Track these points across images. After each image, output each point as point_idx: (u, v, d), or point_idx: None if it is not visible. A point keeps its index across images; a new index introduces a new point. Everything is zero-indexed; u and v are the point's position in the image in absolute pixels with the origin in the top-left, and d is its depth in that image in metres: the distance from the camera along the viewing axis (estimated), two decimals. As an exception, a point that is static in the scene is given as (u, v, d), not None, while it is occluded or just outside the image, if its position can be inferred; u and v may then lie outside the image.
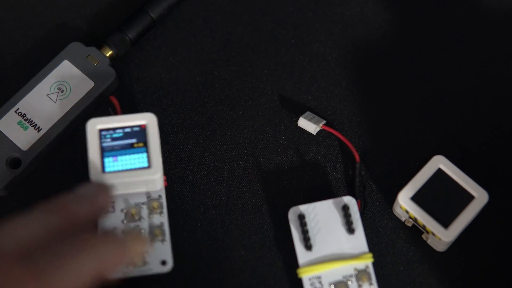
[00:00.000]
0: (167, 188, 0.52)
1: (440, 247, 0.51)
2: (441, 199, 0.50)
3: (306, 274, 0.49)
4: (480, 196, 0.50)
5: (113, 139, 0.49)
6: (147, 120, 0.50)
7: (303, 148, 0.54)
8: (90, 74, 0.54)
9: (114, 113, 0.53)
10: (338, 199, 0.51)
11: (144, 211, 0.50)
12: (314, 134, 0.54)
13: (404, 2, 0.58)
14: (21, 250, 0.37)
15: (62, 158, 0.53)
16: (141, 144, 0.49)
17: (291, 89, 0.56)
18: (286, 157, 0.54)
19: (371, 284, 0.49)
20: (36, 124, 0.52)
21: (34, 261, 0.37)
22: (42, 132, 0.52)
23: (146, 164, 0.49)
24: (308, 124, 0.54)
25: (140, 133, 0.50)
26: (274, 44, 0.57)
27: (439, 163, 0.51)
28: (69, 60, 0.54)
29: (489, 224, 0.52)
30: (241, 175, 0.53)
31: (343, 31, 0.57)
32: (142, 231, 0.49)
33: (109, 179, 0.48)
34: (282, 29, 0.57)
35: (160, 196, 0.50)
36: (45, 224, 0.39)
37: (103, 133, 0.50)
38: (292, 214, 0.50)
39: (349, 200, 0.51)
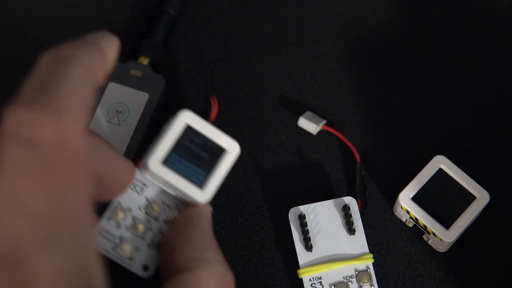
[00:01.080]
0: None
1: (441, 248, 0.51)
2: (442, 199, 0.50)
3: (306, 275, 0.49)
4: (481, 197, 0.50)
5: (192, 142, 0.48)
6: (231, 147, 0.47)
7: (303, 148, 0.54)
8: (140, 87, 0.53)
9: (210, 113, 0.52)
10: (338, 200, 0.51)
11: (163, 214, 0.48)
12: (314, 134, 0.54)
13: (405, 2, 0.58)
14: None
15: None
16: (209, 163, 0.48)
17: (291, 89, 0.56)
18: (286, 157, 0.54)
19: (371, 285, 0.49)
20: None
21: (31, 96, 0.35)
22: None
23: (200, 182, 0.47)
24: (308, 124, 0.54)
25: (216, 154, 0.48)
26: (274, 44, 0.57)
27: (440, 163, 0.51)
28: (114, 82, 0.53)
29: (490, 224, 0.52)
30: (241, 175, 0.53)
31: (343, 31, 0.57)
32: (149, 231, 0.48)
33: (162, 172, 0.46)
34: (282, 29, 0.57)
35: None
36: None
37: (188, 130, 0.47)
38: (292, 215, 0.50)
39: (350, 200, 0.51)
